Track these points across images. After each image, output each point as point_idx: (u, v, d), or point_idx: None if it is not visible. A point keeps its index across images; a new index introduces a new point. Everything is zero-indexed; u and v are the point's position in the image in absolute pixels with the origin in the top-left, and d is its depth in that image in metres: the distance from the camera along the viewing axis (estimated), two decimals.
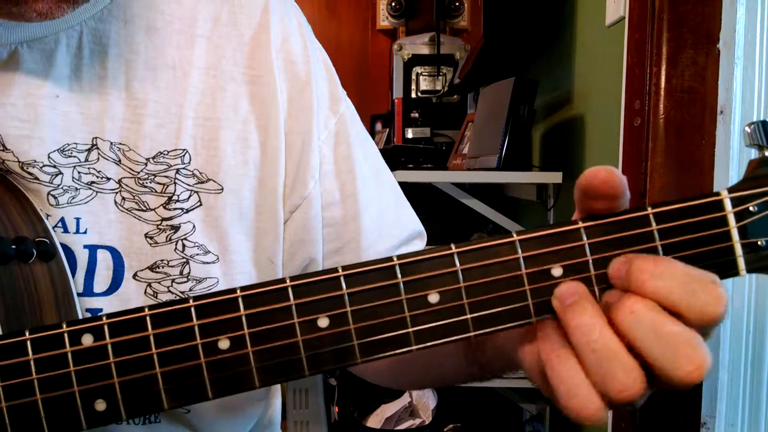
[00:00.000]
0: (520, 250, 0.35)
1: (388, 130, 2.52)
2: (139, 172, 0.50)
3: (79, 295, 0.47)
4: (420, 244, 0.63)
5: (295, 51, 0.56)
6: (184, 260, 0.50)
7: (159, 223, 0.50)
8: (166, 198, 0.50)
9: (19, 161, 0.47)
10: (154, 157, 0.50)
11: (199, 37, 0.53)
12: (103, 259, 0.48)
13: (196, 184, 0.51)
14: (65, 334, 0.35)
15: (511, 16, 1.64)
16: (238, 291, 0.35)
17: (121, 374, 0.35)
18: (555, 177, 1.55)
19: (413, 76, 2.39)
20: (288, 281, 0.35)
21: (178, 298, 0.50)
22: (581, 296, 0.34)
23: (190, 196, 0.51)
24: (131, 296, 0.49)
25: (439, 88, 2.37)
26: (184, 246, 0.50)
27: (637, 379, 0.32)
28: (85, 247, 0.48)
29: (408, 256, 0.35)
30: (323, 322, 0.35)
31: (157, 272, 0.50)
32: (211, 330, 0.35)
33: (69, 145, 0.48)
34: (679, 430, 1.11)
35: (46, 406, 0.35)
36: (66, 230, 0.47)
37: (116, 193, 0.49)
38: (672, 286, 0.32)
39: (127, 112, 0.50)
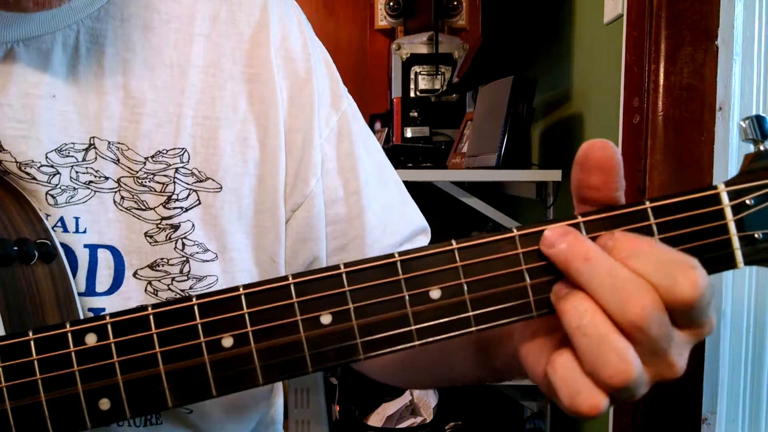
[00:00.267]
0: (520, 246, 0.35)
1: (387, 129, 2.52)
2: (137, 172, 0.50)
3: (81, 294, 0.47)
4: (424, 240, 0.63)
5: (295, 49, 0.56)
6: (184, 259, 0.50)
7: (159, 222, 0.50)
8: (166, 197, 0.50)
9: (16, 162, 0.47)
10: (153, 156, 0.50)
11: (198, 36, 0.53)
12: (104, 258, 0.48)
13: (195, 182, 0.51)
14: (69, 334, 0.36)
15: (510, 15, 1.65)
16: (241, 289, 0.36)
17: (125, 373, 0.35)
18: (554, 175, 1.55)
19: (412, 76, 2.39)
20: (290, 278, 0.35)
21: (178, 296, 0.50)
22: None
23: (189, 194, 0.51)
24: (132, 295, 0.49)
25: (437, 87, 2.37)
26: (183, 244, 0.50)
27: (630, 359, 0.32)
28: (86, 246, 0.48)
29: (409, 252, 0.35)
30: (326, 318, 0.35)
31: (157, 270, 0.50)
32: (215, 328, 0.35)
33: (66, 144, 0.48)
34: (680, 426, 1.11)
35: (51, 405, 0.35)
36: (66, 230, 0.47)
37: (115, 192, 0.49)
38: (647, 264, 0.33)
39: (124, 111, 0.50)
